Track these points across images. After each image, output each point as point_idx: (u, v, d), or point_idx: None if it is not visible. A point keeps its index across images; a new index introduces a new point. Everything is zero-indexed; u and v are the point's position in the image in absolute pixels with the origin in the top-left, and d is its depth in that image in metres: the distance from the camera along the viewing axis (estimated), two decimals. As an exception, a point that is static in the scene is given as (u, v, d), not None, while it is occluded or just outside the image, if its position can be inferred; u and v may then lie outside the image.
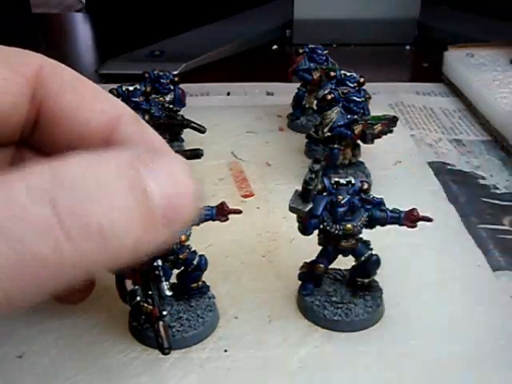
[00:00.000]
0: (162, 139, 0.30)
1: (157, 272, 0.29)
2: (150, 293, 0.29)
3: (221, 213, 0.32)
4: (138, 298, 0.29)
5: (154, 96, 0.50)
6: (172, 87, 0.52)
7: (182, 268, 0.33)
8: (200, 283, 0.34)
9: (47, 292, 0.19)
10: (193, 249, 0.33)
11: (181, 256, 0.32)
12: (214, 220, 0.32)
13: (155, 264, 0.29)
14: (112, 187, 0.19)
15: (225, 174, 0.50)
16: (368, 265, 0.33)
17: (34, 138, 0.28)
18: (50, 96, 0.27)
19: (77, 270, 0.19)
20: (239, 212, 0.32)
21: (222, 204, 0.32)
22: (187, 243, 0.32)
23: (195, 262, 0.33)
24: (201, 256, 0.33)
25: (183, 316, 0.33)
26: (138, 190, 0.20)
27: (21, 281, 0.18)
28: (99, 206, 0.19)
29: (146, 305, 0.29)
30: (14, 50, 0.26)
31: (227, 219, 0.32)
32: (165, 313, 0.28)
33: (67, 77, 0.27)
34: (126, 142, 0.28)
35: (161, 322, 0.29)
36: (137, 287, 0.29)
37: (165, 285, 0.29)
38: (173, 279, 0.34)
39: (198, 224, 0.31)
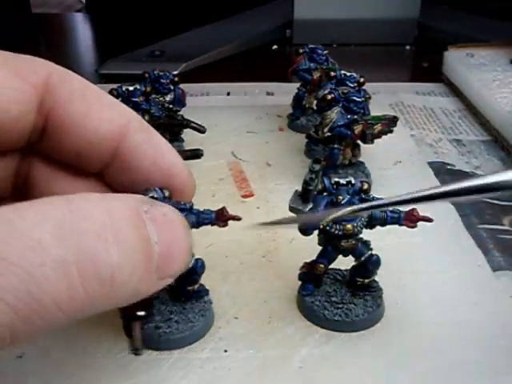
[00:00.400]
0: (169, 146, 0.30)
1: None
2: None
3: (220, 218, 0.31)
4: None
5: (153, 96, 0.50)
6: (172, 87, 0.52)
7: None
8: (196, 286, 0.33)
9: (49, 329, 0.19)
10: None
11: None
12: (212, 225, 0.31)
13: None
14: (124, 236, 0.20)
15: (225, 174, 0.50)
16: (368, 265, 0.33)
17: (42, 145, 0.28)
18: (59, 104, 0.27)
19: (83, 312, 0.20)
20: (239, 219, 0.31)
21: (222, 209, 0.31)
22: None
23: (190, 265, 0.32)
24: (197, 259, 0.32)
25: (173, 318, 0.32)
26: (145, 240, 0.21)
27: (28, 320, 0.18)
28: (113, 256, 0.20)
29: None
30: (22, 57, 0.26)
31: (226, 225, 0.31)
32: (141, 313, 0.28)
33: (76, 85, 0.27)
34: (135, 150, 0.28)
35: (136, 322, 0.28)
36: None
37: None
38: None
39: (197, 227, 0.31)
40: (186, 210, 0.31)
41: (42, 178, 0.29)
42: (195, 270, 0.32)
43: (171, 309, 0.33)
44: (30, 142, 0.28)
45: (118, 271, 0.20)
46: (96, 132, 0.28)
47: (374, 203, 0.29)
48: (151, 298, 0.32)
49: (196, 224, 0.31)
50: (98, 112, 0.28)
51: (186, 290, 0.33)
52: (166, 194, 0.30)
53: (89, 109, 0.27)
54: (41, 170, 0.29)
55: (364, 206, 0.28)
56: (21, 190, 0.30)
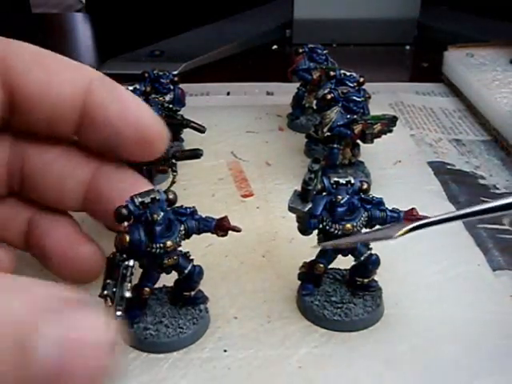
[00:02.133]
0: (137, 99, 0.30)
1: (124, 271, 0.29)
2: (114, 290, 0.28)
3: (220, 228, 0.31)
4: (105, 292, 0.28)
5: (153, 96, 0.50)
6: (172, 87, 0.52)
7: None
8: (193, 293, 0.32)
9: None
10: (191, 257, 0.32)
11: (165, 261, 0.30)
12: (212, 233, 0.31)
13: (126, 263, 0.29)
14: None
15: (224, 173, 0.50)
16: (367, 264, 0.33)
17: (15, 121, 0.29)
18: (18, 76, 0.27)
19: None
20: (238, 230, 0.31)
21: (223, 219, 0.31)
22: (179, 249, 0.31)
23: (187, 271, 0.32)
24: (195, 266, 0.32)
25: (163, 321, 0.32)
26: (25, 349, 0.17)
27: None
28: None
29: (108, 300, 0.28)
30: None
31: (225, 235, 0.31)
32: (118, 313, 0.28)
33: (30, 55, 0.28)
34: (100, 106, 0.29)
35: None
36: (109, 281, 0.29)
37: (126, 285, 0.28)
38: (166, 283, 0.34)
39: (197, 233, 0.31)
40: (186, 215, 0.31)
41: (33, 157, 0.30)
42: (191, 276, 0.32)
43: (165, 312, 0.33)
44: (3, 121, 0.28)
45: None
46: (59, 95, 0.28)
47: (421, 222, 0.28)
48: (146, 298, 0.32)
49: (196, 231, 0.31)
50: (57, 76, 0.28)
51: (182, 295, 0.33)
52: (171, 196, 0.30)
53: (47, 75, 0.28)
54: (31, 150, 0.30)
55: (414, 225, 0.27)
56: (16, 182, 0.31)
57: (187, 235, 0.31)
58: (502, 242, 0.42)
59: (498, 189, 0.48)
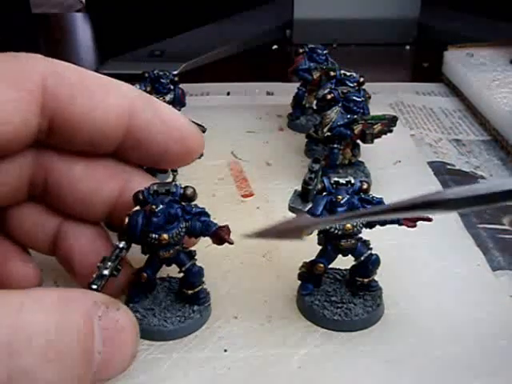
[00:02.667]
0: (173, 110, 0.31)
1: (113, 251, 0.30)
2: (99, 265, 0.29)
3: (216, 236, 0.31)
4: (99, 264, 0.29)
5: (153, 96, 0.50)
6: (172, 87, 0.52)
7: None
8: (190, 292, 0.33)
9: None
10: (196, 256, 0.32)
11: (161, 253, 0.31)
12: (210, 237, 0.31)
13: (116, 243, 0.30)
14: (68, 351, 0.20)
15: (225, 173, 0.50)
16: (368, 264, 0.33)
17: (52, 141, 0.29)
18: (62, 104, 0.27)
19: None
20: (231, 243, 0.30)
21: (222, 228, 0.31)
22: (178, 246, 0.31)
23: (184, 268, 0.32)
24: (195, 265, 0.32)
25: (155, 310, 0.33)
26: (89, 353, 0.21)
27: None
28: (50, 374, 0.19)
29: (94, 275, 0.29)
30: (14, 63, 0.26)
31: (220, 244, 0.31)
32: (93, 287, 0.28)
33: (73, 78, 0.27)
34: (145, 127, 0.29)
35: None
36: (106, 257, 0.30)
37: (109, 265, 0.29)
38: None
39: (196, 236, 0.31)
40: (192, 214, 0.31)
41: (59, 171, 0.30)
42: (190, 274, 0.32)
43: (164, 302, 0.33)
44: (38, 140, 0.28)
45: None
46: (104, 121, 0.28)
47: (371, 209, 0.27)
48: (146, 283, 0.32)
49: (198, 232, 0.31)
50: (102, 102, 0.28)
51: (182, 291, 0.33)
52: (188, 192, 0.30)
53: (92, 101, 0.27)
54: (53, 163, 0.30)
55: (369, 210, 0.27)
56: (38, 191, 0.31)
57: (189, 234, 0.31)
58: (502, 242, 0.42)
59: (498, 189, 0.48)
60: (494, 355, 0.31)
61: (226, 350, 0.32)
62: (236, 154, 0.53)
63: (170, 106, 0.31)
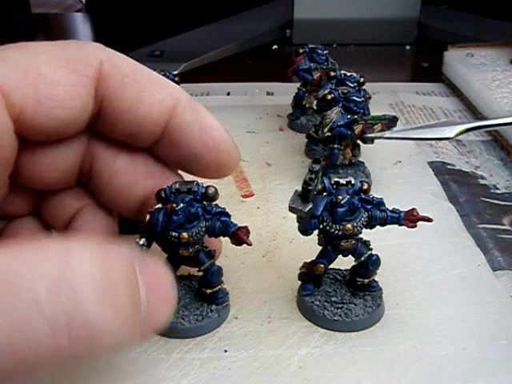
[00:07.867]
0: (216, 122, 0.31)
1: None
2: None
3: (235, 237, 0.31)
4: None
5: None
6: (172, 87, 0.52)
7: None
8: (209, 291, 0.33)
9: (24, 376, 0.19)
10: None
11: (180, 252, 0.31)
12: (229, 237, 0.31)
13: (137, 240, 0.30)
14: (119, 298, 0.20)
15: (225, 173, 0.50)
16: (368, 265, 0.33)
17: (97, 128, 0.29)
18: (112, 91, 0.28)
19: (63, 367, 0.20)
20: (250, 244, 0.30)
21: (241, 229, 0.31)
22: (198, 245, 0.31)
23: (203, 268, 0.32)
24: (214, 264, 0.32)
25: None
26: (136, 302, 0.21)
27: (6, 371, 0.18)
28: (106, 319, 0.19)
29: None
30: (75, 49, 0.27)
31: (239, 245, 0.31)
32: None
33: (126, 69, 0.28)
34: (183, 129, 0.29)
35: None
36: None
37: (141, 238, 0.30)
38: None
39: (216, 236, 0.31)
40: (212, 214, 0.31)
41: (104, 160, 0.30)
42: (208, 273, 0.32)
43: (184, 299, 0.34)
44: (88, 126, 0.29)
45: (107, 334, 0.19)
46: (147, 115, 0.28)
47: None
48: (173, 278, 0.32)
49: (218, 232, 0.31)
50: (149, 96, 0.28)
51: (201, 290, 0.33)
52: (209, 191, 0.31)
53: (140, 93, 0.28)
54: (100, 151, 0.30)
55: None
56: (84, 178, 0.31)
57: (209, 234, 0.31)
58: (502, 242, 0.42)
59: (498, 189, 0.48)
60: (494, 355, 0.31)
61: (226, 351, 0.32)
62: (236, 154, 0.53)
63: (213, 118, 0.31)
